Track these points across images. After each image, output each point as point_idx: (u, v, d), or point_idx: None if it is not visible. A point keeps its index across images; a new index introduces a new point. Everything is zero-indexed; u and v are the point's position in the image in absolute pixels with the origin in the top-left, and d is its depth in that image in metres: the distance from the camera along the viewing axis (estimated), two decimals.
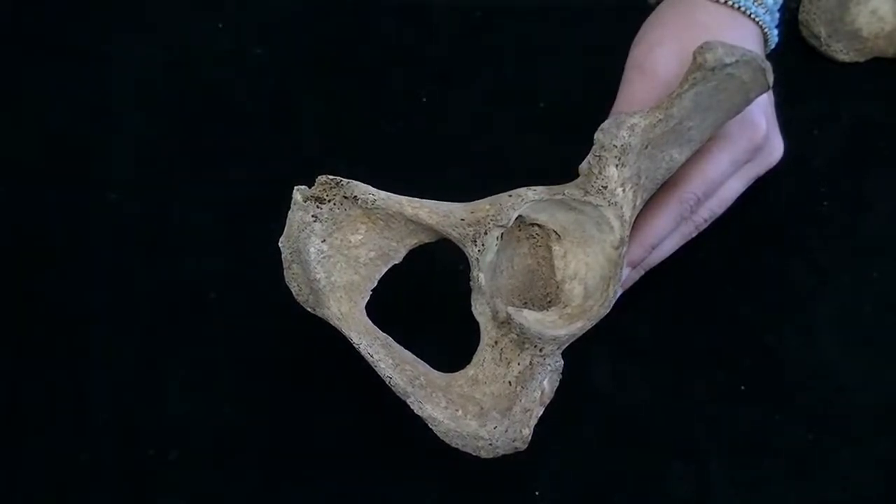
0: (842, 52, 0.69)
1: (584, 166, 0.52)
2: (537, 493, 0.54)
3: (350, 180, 0.51)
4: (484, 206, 0.51)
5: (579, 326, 0.52)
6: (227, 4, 0.73)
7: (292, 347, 0.59)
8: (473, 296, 0.52)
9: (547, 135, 0.66)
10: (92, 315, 0.60)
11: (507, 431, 0.50)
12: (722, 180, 0.56)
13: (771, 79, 0.53)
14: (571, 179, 0.53)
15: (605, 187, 0.51)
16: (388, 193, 0.51)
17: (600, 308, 0.52)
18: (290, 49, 0.71)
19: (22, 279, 0.61)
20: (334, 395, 0.57)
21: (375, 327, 0.52)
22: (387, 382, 0.51)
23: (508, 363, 0.52)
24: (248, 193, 0.64)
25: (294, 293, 0.52)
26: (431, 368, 0.52)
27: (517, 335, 0.51)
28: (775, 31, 0.59)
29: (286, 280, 0.52)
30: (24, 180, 0.65)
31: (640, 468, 0.55)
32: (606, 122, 0.52)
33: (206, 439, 0.56)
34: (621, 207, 0.52)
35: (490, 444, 0.50)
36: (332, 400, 0.57)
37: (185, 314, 0.60)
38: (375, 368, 0.51)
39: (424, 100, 0.68)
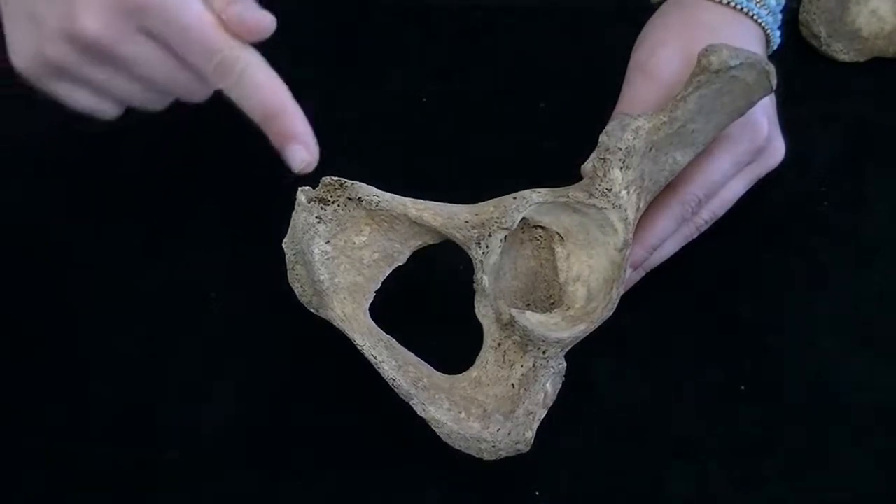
0: (842, 52, 0.69)
1: (587, 167, 0.52)
2: (537, 494, 0.54)
3: (354, 181, 0.51)
4: (488, 208, 0.51)
5: (582, 329, 0.52)
6: None
7: (293, 348, 0.59)
8: (477, 298, 0.52)
9: (547, 135, 0.66)
10: (92, 315, 0.60)
11: (509, 434, 0.50)
12: (723, 182, 0.57)
13: (774, 81, 0.53)
14: (572, 180, 0.53)
15: (610, 190, 0.51)
16: (392, 195, 0.52)
17: (603, 310, 0.52)
18: (290, 49, 0.70)
19: (21, 279, 0.61)
20: (336, 395, 0.57)
21: (379, 329, 0.52)
22: (390, 384, 0.51)
23: (511, 365, 0.52)
24: (249, 193, 0.64)
25: (297, 294, 0.52)
26: (435, 370, 0.52)
27: (520, 337, 0.51)
28: (777, 33, 0.59)
29: (289, 281, 0.52)
30: (25, 179, 0.65)
31: (640, 468, 0.55)
32: (610, 124, 0.52)
33: (206, 439, 0.56)
34: (625, 210, 0.52)
35: (493, 447, 0.50)
36: (334, 401, 0.57)
37: (185, 314, 0.60)
38: (379, 370, 0.51)
39: (424, 100, 0.68)
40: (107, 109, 0.52)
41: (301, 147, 0.49)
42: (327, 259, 0.51)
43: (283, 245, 0.52)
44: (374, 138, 0.66)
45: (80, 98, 0.50)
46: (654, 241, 0.56)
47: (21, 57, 0.49)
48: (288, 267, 0.52)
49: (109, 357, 0.59)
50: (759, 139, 0.57)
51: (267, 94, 0.48)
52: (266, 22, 0.48)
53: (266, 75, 0.48)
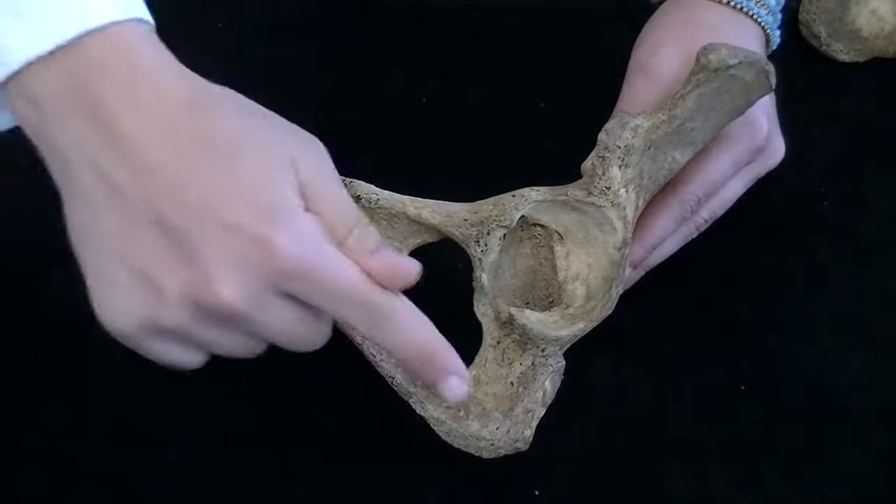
0: (842, 52, 0.69)
1: (586, 165, 0.52)
2: (537, 493, 0.54)
3: (353, 179, 0.51)
4: (487, 206, 0.51)
5: (581, 327, 0.52)
6: (228, 4, 0.72)
7: None
8: (476, 296, 0.52)
9: (547, 135, 0.66)
10: (92, 315, 0.60)
11: (508, 432, 0.50)
12: (723, 181, 0.57)
13: (774, 80, 0.53)
14: (572, 179, 0.53)
15: (609, 188, 0.51)
16: (392, 193, 0.52)
17: (602, 309, 0.52)
18: (291, 49, 0.71)
19: (22, 278, 0.61)
20: (336, 394, 0.57)
21: None
22: (389, 382, 0.51)
23: (511, 364, 0.52)
24: None
25: None
26: None
27: (519, 336, 0.51)
28: (777, 32, 0.60)
29: None
30: (25, 178, 0.65)
31: (640, 467, 0.55)
32: (610, 122, 0.52)
33: (207, 439, 0.56)
34: (624, 208, 0.52)
35: (492, 445, 0.50)
36: (334, 400, 0.57)
37: None
38: (378, 368, 0.51)
39: (424, 100, 0.68)
40: (198, 362, 0.45)
41: (456, 379, 0.44)
42: None
43: None
44: (374, 138, 0.66)
45: (174, 354, 0.43)
46: (654, 241, 0.56)
47: (119, 317, 0.42)
48: None
49: (109, 357, 0.58)
50: (759, 139, 0.57)
51: (420, 339, 0.44)
52: (414, 267, 0.44)
53: (418, 320, 0.44)
